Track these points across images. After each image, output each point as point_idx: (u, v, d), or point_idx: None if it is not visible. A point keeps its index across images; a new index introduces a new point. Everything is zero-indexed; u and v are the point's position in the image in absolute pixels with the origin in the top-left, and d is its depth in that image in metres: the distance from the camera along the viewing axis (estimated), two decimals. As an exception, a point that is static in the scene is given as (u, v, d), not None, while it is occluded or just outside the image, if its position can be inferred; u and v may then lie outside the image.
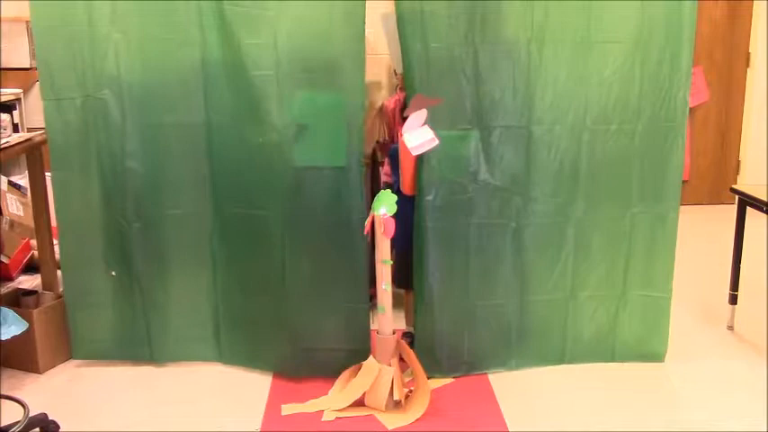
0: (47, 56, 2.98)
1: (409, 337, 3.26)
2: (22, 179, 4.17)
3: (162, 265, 3.18)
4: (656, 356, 3.24)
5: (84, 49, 2.96)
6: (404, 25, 2.88)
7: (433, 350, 3.10)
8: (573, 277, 3.13)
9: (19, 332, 2.61)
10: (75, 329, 3.21)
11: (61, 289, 3.36)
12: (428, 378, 2.93)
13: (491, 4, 2.90)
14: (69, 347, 3.25)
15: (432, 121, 2.88)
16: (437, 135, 2.81)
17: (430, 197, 2.97)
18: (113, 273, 3.16)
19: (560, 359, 3.21)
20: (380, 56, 3.81)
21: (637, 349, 3.23)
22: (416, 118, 2.79)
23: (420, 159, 2.95)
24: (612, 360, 3.21)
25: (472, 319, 3.12)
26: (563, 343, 3.20)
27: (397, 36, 2.92)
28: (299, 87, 2.95)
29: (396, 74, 3.76)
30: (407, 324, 3.41)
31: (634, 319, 3.19)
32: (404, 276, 3.17)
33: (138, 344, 3.21)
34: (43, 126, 3.09)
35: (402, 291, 3.33)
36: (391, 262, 2.81)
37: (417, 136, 2.78)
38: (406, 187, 3.07)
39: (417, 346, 3.08)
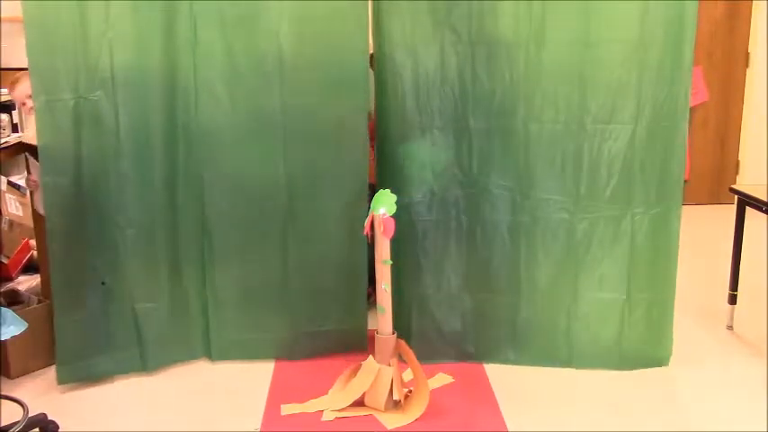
0: (38, 56, 2.89)
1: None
2: (22, 179, 4.16)
3: (156, 268, 3.13)
4: (660, 361, 3.19)
5: (77, 50, 2.88)
6: (391, 19, 2.90)
7: (431, 341, 3.18)
8: (574, 278, 3.11)
9: (18, 332, 2.60)
10: (62, 342, 3.02)
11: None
12: (425, 363, 2.94)
13: (489, 3, 2.90)
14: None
15: (429, 121, 2.91)
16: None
17: (425, 195, 2.98)
18: (104, 282, 3.06)
19: (563, 362, 3.19)
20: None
21: (641, 354, 3.18)
22: None
23: (416, 159, 2.97)
24: (617, 366, 3.16)
25: (470, 312, 3.18)
26: (565, 345, 3.17)
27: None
28: (299, 88, 2.95)
29: None
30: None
31: (637, 323, 3.14)
32: None
33: (129, 354, 3.13)
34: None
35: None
36: (391, 262, 2.81)
37: None
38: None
39: (414, 338, 3.10)
